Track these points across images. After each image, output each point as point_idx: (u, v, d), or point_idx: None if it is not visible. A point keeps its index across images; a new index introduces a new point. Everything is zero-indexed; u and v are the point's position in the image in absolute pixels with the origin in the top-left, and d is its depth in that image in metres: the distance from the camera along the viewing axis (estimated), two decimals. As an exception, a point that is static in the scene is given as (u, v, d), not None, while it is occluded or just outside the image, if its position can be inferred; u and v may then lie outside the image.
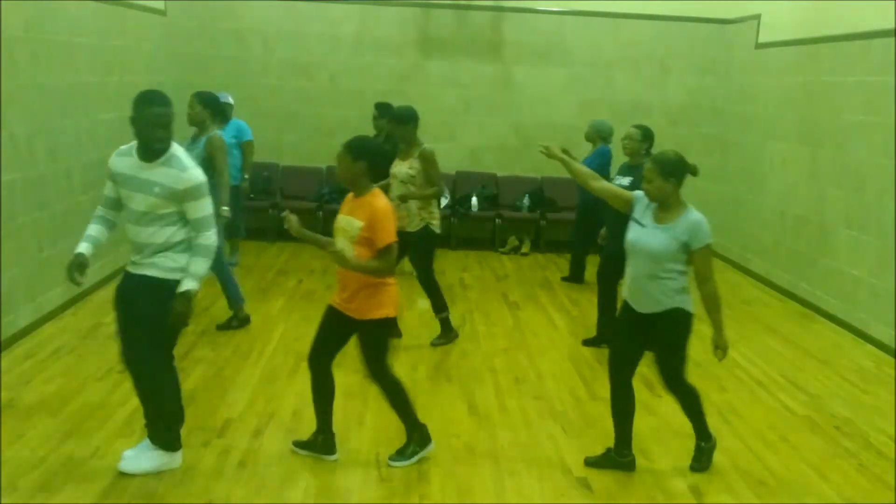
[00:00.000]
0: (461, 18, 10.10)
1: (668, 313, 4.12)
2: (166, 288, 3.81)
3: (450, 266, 9.01)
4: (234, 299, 6.40)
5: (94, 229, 4.02)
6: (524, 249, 9.92)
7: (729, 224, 9.82)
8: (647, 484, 4.29)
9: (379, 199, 4.07)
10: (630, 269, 4.22)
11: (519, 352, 6.31)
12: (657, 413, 5.16)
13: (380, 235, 3.99)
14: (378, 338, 4.19)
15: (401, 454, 4.32)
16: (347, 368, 5.50)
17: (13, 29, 5.62)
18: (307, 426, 4.60)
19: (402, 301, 7.54)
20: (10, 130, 5.62)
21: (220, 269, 6.21)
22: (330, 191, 9.71)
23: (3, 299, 5.59)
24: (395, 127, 6.11)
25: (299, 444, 4.38)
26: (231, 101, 7.97)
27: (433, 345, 6.27)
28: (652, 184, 4.10)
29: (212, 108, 6.16)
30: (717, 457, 4.56)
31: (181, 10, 9.19)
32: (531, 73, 10.24)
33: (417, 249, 6.17)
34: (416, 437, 4.33)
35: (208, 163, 5.84)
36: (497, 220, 10.03)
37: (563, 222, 9.77)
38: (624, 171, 6.19)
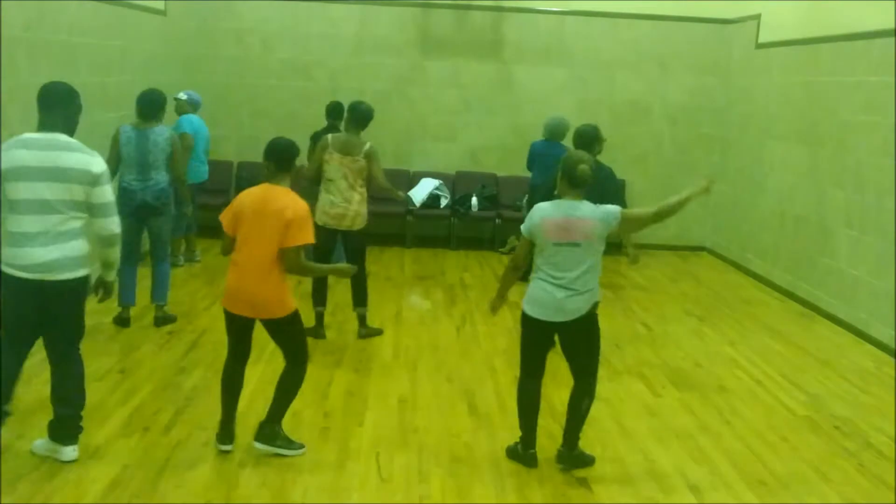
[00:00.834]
0: (461, 18, 10.10)
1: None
2: None
3: (450, 266, 9.01)
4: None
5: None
6: (524, 249, 9.90)
7: (729, 224, 9.82)
8: (647, 484, 4.29)
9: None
10: None
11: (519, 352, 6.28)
12: (657, 413, 5.17)
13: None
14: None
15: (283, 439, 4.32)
16: (347, 368, 5.50)
17: (13, 28, 5.62)
18: (307, 426, 4.61)
19: (402, 301, 7.56)
20: (10, 130, 5.60)
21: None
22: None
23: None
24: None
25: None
26: (184, 97, 7.93)
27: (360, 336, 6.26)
28: None
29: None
30: (717, 457, 4.57)
31: (181, 10, 9.19)
32: (531, 73, 10.24)
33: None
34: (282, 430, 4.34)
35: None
36: (497, 220, 10.03)
37: (563, 222, 9.74)
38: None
